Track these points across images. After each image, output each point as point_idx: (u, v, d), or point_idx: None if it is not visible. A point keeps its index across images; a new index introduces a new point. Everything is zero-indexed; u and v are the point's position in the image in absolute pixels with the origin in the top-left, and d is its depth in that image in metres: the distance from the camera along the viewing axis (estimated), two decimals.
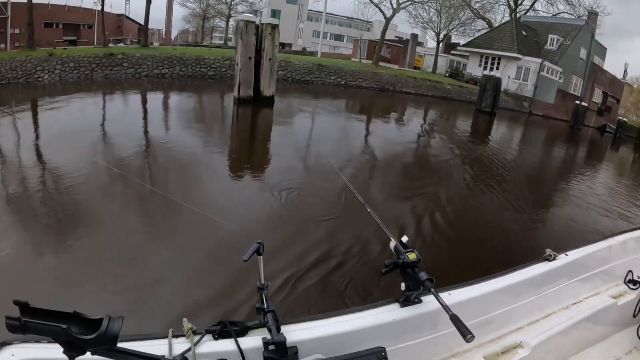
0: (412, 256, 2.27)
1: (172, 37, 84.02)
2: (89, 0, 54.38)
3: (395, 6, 43.15)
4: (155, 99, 25.15)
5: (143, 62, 31.09)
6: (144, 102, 23.21)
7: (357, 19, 66.72)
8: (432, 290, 2.17)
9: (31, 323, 1.32)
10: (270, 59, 19.57)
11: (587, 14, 49.44)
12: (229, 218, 7.78)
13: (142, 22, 45.41)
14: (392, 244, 2.43)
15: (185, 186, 9.67)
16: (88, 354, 1.43)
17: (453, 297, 2.39)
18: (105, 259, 6.28)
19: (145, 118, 18.25)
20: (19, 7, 40.85)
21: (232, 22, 58.43)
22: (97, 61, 30.09)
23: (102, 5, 42.72)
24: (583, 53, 48.51)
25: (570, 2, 51.05)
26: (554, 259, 3.11)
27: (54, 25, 56.18)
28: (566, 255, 3.18)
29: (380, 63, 41.47)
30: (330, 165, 11.35)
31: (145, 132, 15.69)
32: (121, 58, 30.84)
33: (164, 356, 1.81)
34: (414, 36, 51.79)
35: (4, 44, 43.37)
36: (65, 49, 34.56)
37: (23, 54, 29.91)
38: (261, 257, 2.13)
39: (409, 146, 17.97)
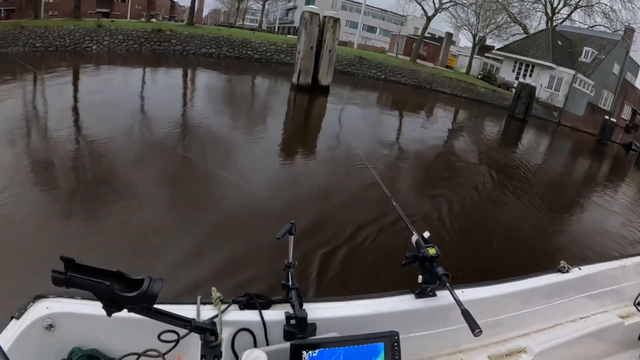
0: (432, 251, 2.44)
1: (203, 15, 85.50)
2: None
3: (437, 5, 44.44)
4: (213, 78, 26.71)
5: (191, 41, 32.53)
6: (205, 80, 25.08)
7: (391, 12, 67.87)
8: (448, 285, 2.34)
9: (76, 278, 1.45)
10: (329, 51, 21.10)
11: (623, 29, 49.83)
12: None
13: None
14: (414, 237, 2.59)
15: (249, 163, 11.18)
16: (124, 310, 1.58)
17: (466, 294, 2.49)
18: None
19: (210, 97, 19.94)
20: None
21: (275, 6, 59.43)
22: (145, 36, 31.60)
23: None
24: (616, 68, 49.11)
25: (607, 16, 51.52)
26: (567, 271, 3.20)
27: None
28: (579, 269, 3.26)
29: (417, 60, 42.71)
30: (363, 161, 11.50)
31: (216, 111, 17.16)
32: (169, 35, 32.29)
33: (194, 319, 2.02)
34: (449, 35, 52.81)
35: (38, 12, 44.75)
36: (112, 21, 35.94)
37: (71, 23, 31.21)
38: (292, 236, 2.34)
39: (443, 146, 18.88)
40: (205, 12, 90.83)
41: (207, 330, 2.02)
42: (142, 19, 48.38)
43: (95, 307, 2.03)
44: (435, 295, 2.58)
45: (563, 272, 3.18)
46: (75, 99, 16.20)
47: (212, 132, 13.56)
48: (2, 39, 26.95)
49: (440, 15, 46.31)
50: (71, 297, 2.12)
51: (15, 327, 2.05)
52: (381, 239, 7.40)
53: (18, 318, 2.09)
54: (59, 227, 6.75)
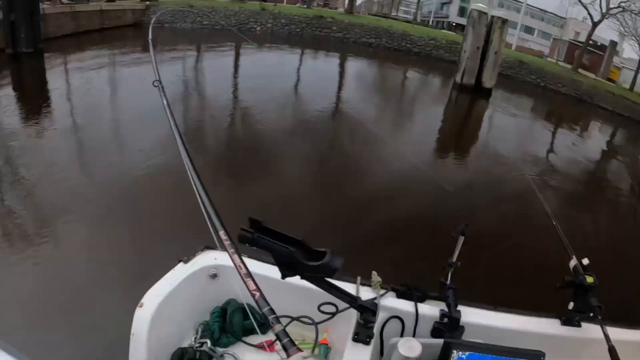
0: (590, 280, 2.39)
1: (357, 4, 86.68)
2: None
3: (604, 10, 41.85)
4: (371, 67, 27.73)
5: (351, 29, 33.61)
6: (364, 69, 26.01)
7: (551, 13, 64.95)
8: (599, 317, 2.27)
9: (262, 239, 1.59)
10: (496, 52, 20.90)
11: None
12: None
13: None
14: (573, 262, 2.54)
15: None
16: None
17: (612, 334, 2.29)
18: None
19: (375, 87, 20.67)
20: None
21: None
22: (307, 21, 33.52)
23: None
24: None
25: None
26: None
27: None
28: None
29: (579, 69, 40.72)
30: (527, 180, 11.18)
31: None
32: (330, 22, 33.77)
33: (360, 297, 2.17)
34: (613, 44, 49.41)
35: None
36: (275, 5, 38.07)
37: (236, 5, 34.30)
38: (463, 237, 2.45)
39: (604, 170, 17.73)
40: (358, 1, 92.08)
41: (370, 311, 2.15)
42: (298, 4, 50.33)
43: (258, 267, 2.37)
44: (580, 326, 2.53)
45: None
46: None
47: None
48: (172, 16, 30.14)
49: (606, 21, 43.49)
50: (237, 253, 2.22)
51: (183, 270, 2.37)
52: (534, 255, 7.26)
53: (186, 262, 2.42)
54: None
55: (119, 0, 30.08)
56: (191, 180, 2.05)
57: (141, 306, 2.16)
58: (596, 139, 24.34)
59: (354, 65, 27.10)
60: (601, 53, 47.91)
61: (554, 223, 2.90)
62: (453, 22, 72.28)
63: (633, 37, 46.78)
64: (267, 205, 7.08)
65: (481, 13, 20.71)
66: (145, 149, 8.92)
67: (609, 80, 46.84)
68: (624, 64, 52.33)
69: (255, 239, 1.58)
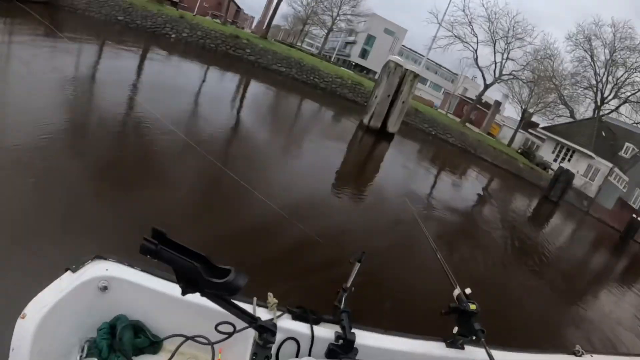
0: (472, 307, 2.58)
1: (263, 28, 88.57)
2: None
3: (497, 75, 46.82)
4: (287, 98, 28.81)
5: (264, 55, 34.52)
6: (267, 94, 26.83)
7: (445, 68, 70.18)
8: (483, 340, 2.46)
9: (166, 251, 1.57)
10: (403, 102, 23.01)
11: None
12: None
13: (240, 6, 49.75)
14: (456, 291, 2.72)
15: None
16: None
17: (493, 354, 2.46)
18: None
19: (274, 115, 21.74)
20: None
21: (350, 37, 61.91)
22: (222, 38, 33.82)
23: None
24: None
25: None
26: (581, 355, 3.24)
27: None
28: (592, 357, 3.31)
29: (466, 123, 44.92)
30: (412, 213, 11.81)
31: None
32: (245, 44, 34.40)
33: (260, 318, 2.17)
34: (497, 103, 54.81)
35: None
36: (194, 15, 38.71)
37: (155, 6, 33.75)
38: (359, 264, 2.59)
39: (481, 212, 19.69)
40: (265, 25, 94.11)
41: (269, 331, 2.17)
42: (208, 17, 50.81)
43: (152, 281, 2.26)
44: (463, 348, 2.74)
45: (577, 356, 3.23)
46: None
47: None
48: (87, 2, 29.24)
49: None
50: (131, 265, 2.26)
51: (70, 280, 2.14)
52: (420, 284, 7.72)
53: (74, 271, 2.18)
54: None
55: None
56: None
57: (23, 317, 1.98)
58: (476, 184, 27.11)
59: (266, 92, 27.91)
60: (486, 110, 52.75)
61: (439, 257, 3.07)
62: (353, 62, 76.32)
63: (517, 101, 51.64)
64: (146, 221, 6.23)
65: (397, 65, 22.70)
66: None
67: (489, 134, 51.69)
68: (504, 122, 57.77)
69: (159, 251, 1.55)
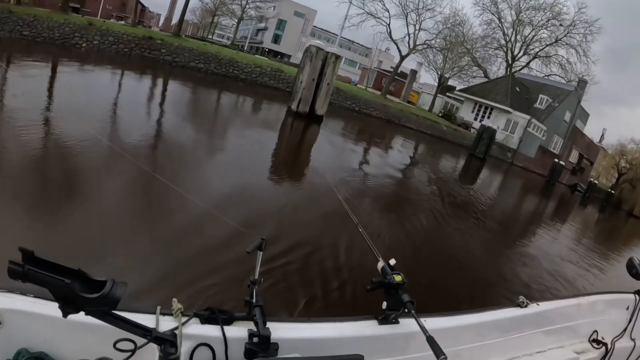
0: (397, 278, 2.52)
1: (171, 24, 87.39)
2: None
3: (411, 46, 48.60)
4: (211, 94, 28.93)
5: (181, 53, 34.20)
6: (213, 97, 27.30)
7: (358, 44, 71.64)
8: (413, 312, 2.38)
9: (34, 272, 1.44)
10: (328, 84, 23.88)
11: (577, 80, 55.00)
12: None
13: (145, 5, 49.58)
14: (380, 264, 2.66)
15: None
16: (81, 314, 1.56)
17: (427, 324, 2.37)
18: None
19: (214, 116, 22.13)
20: None
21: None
22: (136, 41, 32.95)
23: None
24: (567, 116, 54.38)
25: (563, 67, 56.94)
26: (526, 306, 3.28)
27: None
28: (537, 305, 3.36)
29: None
30: (331, 187, 11.76)
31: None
32: (160, 44, 33.81)
33: (154, 329, 2.01)
34: (413, 72, 56.78)
35: None
36: (104, 21, 37.37)
37: (60, 16, 32.24)
38: (261, 252, 2.45)
39: (412, 177, 20.58)
40: (172, 21, 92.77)
41: (168, 342, 2.03)
42: (112, 20, 49.98)
43: (48, 307, 2.04)
44: (398, 322, 2.64)
45: (522, 307, 3.28)
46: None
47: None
48: None
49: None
50: (23, 293, 2.10)
51: None
52: (346, 263, 7.49)
53: None
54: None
55: None
56: None
57: None
58: (403, 152, 28.60)
59: (187, 90, 27.79)
60: (403, 80, 54.56)
61: (360, 230, 3.02)
62: (266, 49, 76.68)
63: (432, 68, 53.64)
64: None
65: (318, 49, 23.58)
66: None
67: (409, 102, 53.58)
68: (422, 89, 59.80)
69: (27, 272, 1.45)
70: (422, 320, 2.34)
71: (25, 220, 6.35)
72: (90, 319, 1.63)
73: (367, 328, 2.61)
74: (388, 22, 50.35)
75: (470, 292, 8.05)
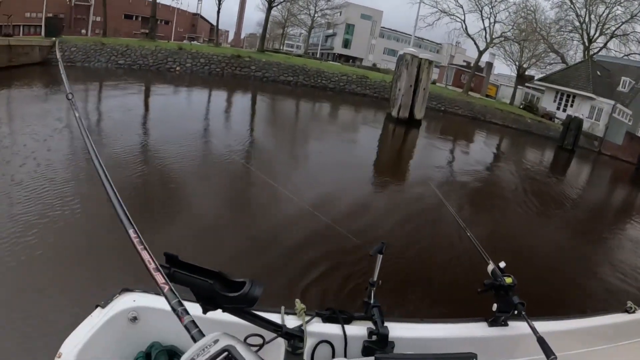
0: (508, 280, 2.62)
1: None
2: None
3: (488, 40, 49.65)
4: (308, 105, 31.03)
5: (269, 68, 36.65)
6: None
7: (428, 40, 72.64)
8: (524, 313, 2.50)
9: (179, 274, 1.62)
10: (424, 89, 25.70)
11: None
12: None
13: (213, 23, 52.54)
14: (490, 267, 2.77)
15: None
16: (219, 311, 1.71)
17: (536, 327, 2.44)
18: None
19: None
20: None
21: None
22: (226, 60, 35.59)
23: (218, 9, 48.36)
24: None
25: None
26: (634, 312, 3.18)
27: (134, 17, 62.74)
28: None
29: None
30: (434, 191, 12.37)
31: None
32: (248, 61, 36.37)
33: (285, 325, 2.22)
34: (489, 65, 57.43)
35: (85, 29, 49.20)
36: (191, 44, 40.75)
37: (151, 44, 35.37)
38: (381, 256, 2.59)
39: (509, 175, 21.22)
40: (242, 36, 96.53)
41: (296, 337, 2.25)
42: (185, 41, 52.83)
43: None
44: (507, 325, 2.74)
45: (630, 313, 3.19)
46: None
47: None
48: (84, 54, 30.85)
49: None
50: (157, 293, 2.34)
51: (100, 315, 2.27)
52: (456, 265, 7.83)
53: (103, 307, 2.32)
54: None
55: (24, 36, 29.60)
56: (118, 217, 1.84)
57: (59, 356, 2.07)
58: (493, 149, 29.73)
59: (288, 103, 30.13)
60: (481, 75, 55.20)
61: (468, 234, 3.10)
62: (337, 54, 78.89)
63: (510, 60, 54.09)
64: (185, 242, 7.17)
65: (413, 56, 25.36)
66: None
67: (487, 96, 54.05)
68: (498, 80, 60.13)
69: (173, 274, 1.63)
70: (533, 322, 2.45)
71: None
72: (220, 317, 1.78)
73: (477, 329, 2.74)
74: (463, 18, 51.54)
75: (574, 293, 8.22)
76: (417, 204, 11.79)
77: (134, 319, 2.33)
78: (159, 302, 2.29)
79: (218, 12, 46.61)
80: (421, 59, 25.55)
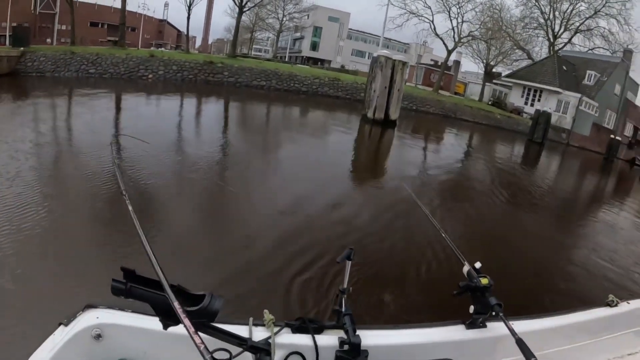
0: (484, 281, 2.60)
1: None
2: (133, 3, 59.84)
3: (457, 40, 50.95)
4: (283, 109, 31.66)
5: (242, 73, 37.03)
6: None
7: (395, 41, 73.72)
8: (501, 314, 2.49)
9: (136, 288, 1.61)
10: (398, 90, 26.51)
11: (622, 51, 55.35)
12: None
13: (180, 29, 52.42)
14: (466, 268, 2.76)
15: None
16: (178, 326, 1.61)
17: (514, 326, 2.45)
18: None
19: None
20: (67, 3, 44.84)
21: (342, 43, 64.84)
22: (198, 67, 35.75)
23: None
24: (617, 89, 54.81)
25: (606, 38, 56.93)
26: (616, 305, 3.23)
27: (100, 25, 61.79)
28: (628, 303, 3.29)
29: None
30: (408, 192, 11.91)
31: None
32: (221, 67, 36.67)
33: (250, 338, 2.16)
34: (457, 63, 58.97)
35: (51, 38, 49.16)
36: (162, 51, 40.68)
37: (122, 52, 35.05)
38: (350, 262, 2.61)
39: (483, 168, 22.14)
40: (210, 41, 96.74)
41: (262, 351, 2.17)
42: (152, 47, 52.96)
43: (145, 321, 2.31)
44: (485, 326, 2.73)
45: (612, 306, 3.22)
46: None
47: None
48: (53, 64, 30.30)
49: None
50: (122, 309, 2.35)
51: (63, 334, 2.20)
52: (430, 268, 7.65)
53: (66, 325, 2.26)
54: None
55: None
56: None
57: None
58: (464, 146, 30.45)
59: (261, 107, 30.66)
60: (450, 73, 56.50)
61: (443, 235, 3.07)
62: (305, 56, 79.95)
63: (478, 58, 55.59)
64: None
65: (387, 58, 26.16)
66: None
67: (456, 94, 55.41)
68: (466, 78, 61.53)
69: (129, 289, 1.60)
70: (511, 323, 2.45)
71: None
72: (185, 331, 1.64)
73: (455, 333, 2.70)
74: (431, 19, 52.58)
75: (554, 291, 7.97)
76: (392, 204, 11.53)
77: (98, 336, 2.28)
78: (124, 319, 2.33)
79: (188, 18, 46.56)
80: (395, 60, 26.31)
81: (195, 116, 23.77)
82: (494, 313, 2.53)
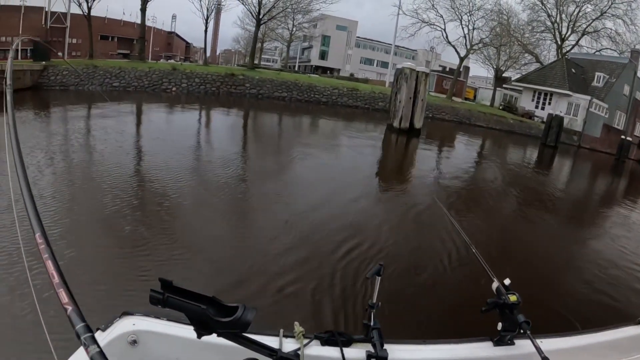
0: (513, 298, 2.62)
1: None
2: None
3: (469, 47, 53.13)
4: (308, 119, 33.03)
5: (263, 85, 38.63)
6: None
7: (403, 47, 75.63)
8: (529, 333, 2.51)
9: (173, 299, 1.67)
10: (422, 100, 28.49)
11: (629, 51, 56.67)
12: None
13: (189, 40, 53.95)
14: (495, 284, 2.79)
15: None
16: (213, 335, 1.77)
17: (544, 345, 2.47)
18: None
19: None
20: (77, 17, 48.14)
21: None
22: (220, 79, 37.30)
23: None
24: (626, 89, 56.05)
25: (613, 39, 58.57)
26: None
27: (110, 38, 63.90)
28: None
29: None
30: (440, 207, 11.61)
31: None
32: (242, 79, 38.19)
33: (280, 349, 2.28)
34: (466, 69, 61.02)
35: (62, 52, 50.71)
36: (181, 63, 42.47)
37: (145, 65, 36.66)
38: (379, 277, 2.67)
39: (504, 175, 22.22)
40: (217, 52, 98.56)
41: None
42: (162, 60, 54.50)
43: (179, 329, 2.43)
44: (513, 344, 2.74)
45: None
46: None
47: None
48: (77, 77, 31.88)
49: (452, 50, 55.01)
50: (157, 317, 2.48)
51: (100, 338, 2.25)
52: (459, 283, 7.76)
53: (104, 330, 2.38)
54: None
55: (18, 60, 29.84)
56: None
57: None
58: (477, 150, 31.91)
59: (304, 120, 32.15)
60: (463, 80, 58.31)
61: (473, 250, 3.14)
62: (313, 65, 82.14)
63: (488, 63, 57.56)
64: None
65: (412, 70, 27.98)
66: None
67: (467, 99, 57.18)
68: (475, 83, 63.30)
69: (166, 299, 1.67)
70: (538, 341, 2.50)
71: None
72: (219, 340, 1.84)
73: (482, 350, 2.74)
74: (443, 27, 54.57)
75: (582, 308, 7.60)
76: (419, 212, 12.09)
77: (134, 342, 2.39)
78: (159, 326, 2.44)
79: (205, 32, 48.85)
80: (418, 72, 28.17)
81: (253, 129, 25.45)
82: (522, 331, 2.59)
